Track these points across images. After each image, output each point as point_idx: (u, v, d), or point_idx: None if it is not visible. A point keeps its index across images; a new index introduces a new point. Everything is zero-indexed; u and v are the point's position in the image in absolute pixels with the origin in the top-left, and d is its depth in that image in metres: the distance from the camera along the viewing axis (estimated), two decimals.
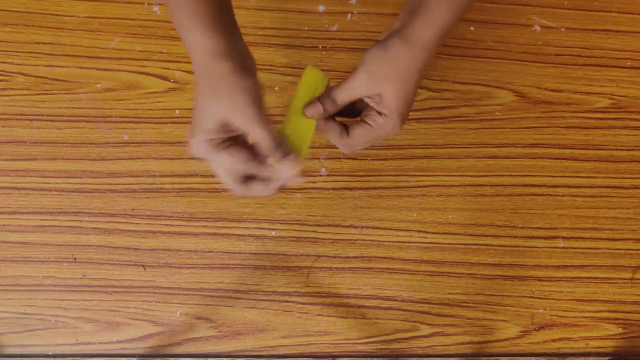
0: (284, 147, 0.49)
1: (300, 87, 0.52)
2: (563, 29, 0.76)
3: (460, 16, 0.49)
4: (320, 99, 0.51)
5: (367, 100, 0.51)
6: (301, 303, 0.74)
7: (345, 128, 0.53)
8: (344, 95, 0.51)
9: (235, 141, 0.49)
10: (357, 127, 0.52)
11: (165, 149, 0.73)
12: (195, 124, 0.48)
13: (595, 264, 0.76)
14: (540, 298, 0.75)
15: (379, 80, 0.49)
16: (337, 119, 0.54)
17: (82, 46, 0.73)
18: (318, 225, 0.74)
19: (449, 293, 0.75)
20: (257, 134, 0.47)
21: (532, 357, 0.75)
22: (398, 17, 0.53)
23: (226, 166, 0.49)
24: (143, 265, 0.73)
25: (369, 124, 0.51)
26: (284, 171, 0.49)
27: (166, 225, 0.73)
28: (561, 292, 0.75)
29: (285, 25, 0.74)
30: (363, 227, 0.74)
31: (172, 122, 0.73)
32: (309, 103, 0.51)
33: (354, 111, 0.54)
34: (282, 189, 0.52)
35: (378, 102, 0.50)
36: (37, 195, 0.72)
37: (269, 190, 0.50)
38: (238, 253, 0.73)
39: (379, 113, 0.51)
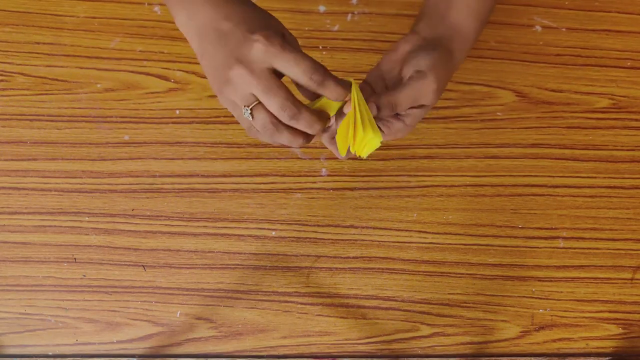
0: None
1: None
2: (564, 29, 0.76)
3: (484, 21, 0.50)
4: (378, 100, 0.47)
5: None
6: (301, 303, 0.74)
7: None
8: (406, 103, 0.47)
9: None
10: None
11: (165, 149, 0.73)
12: (245, 32, 0.44)
13: (595, 264, 0.76)
14: (541, 298, 0.75)
15: (437, 81, 0.47)
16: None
17: (82, 46, 0.73)
18: (318, 226, 0.74)
19: (449, 293, 0.75)
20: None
21: (532, 358, 0.75)
22: (416, 25, 0.52)
23: (294, 70, 0.44)
24: (143, 266, 0.73)
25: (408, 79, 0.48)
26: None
27: (166, 225, 0.73)
28: (561, 292, 0.75)
29: (286, 25, 0.73)
30: (363, 227, 0.74)
31: (172, 122, 0.73)
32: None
33: None
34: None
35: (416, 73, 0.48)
36: (37, 196, 0.72)
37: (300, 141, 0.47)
38: (238, 253, 0.73)
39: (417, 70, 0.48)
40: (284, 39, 0.45)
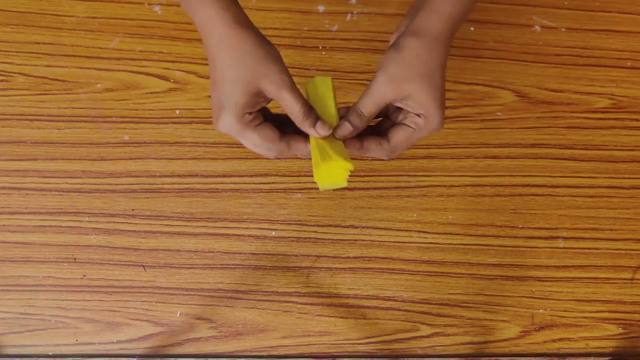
0: (314, 113, 0.48)
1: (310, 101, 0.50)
2: (563, 29, 0.76)
3: (467, 8, 0.48)
4: (346, 116, 0.49)
5: (398, 104, 0.49)
6: (301, 303, 0.74)
7: (383, 136, 0.50)
8: (370, 105, 0.48)
9: (264, 117, 0.48)
10: (397, 131, 0.49)
11: (165, 149, 0.73)
12: (222, 101, 0.46)
13: (595, 264, 0.76)
14: (541, 298, 0.75)
15: (402, 82, 0.47)
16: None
17: (82, 46, 0.73)
18: (318, 226, 0.74)
19: (449, 293, 0.74)
20: (287, 100, 0.46)
21: (532, 358, 0.75)
22: (401, 21, 0.52)
23: (255, 144, 0.48)
24: (143, 265, 0.73)
25: (410, 127, 0.49)
26: (317, 134, 0.48)
27: (166, 225, 0.73)
28: (561, 292, 0.75)
29: (285, 25, 0.74)
30: (363, 227, 0.74)
31: (172, 122, 0.73)
32: (337, 126, 0.49)
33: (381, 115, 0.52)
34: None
35: (412, 106, 0.48)
36: (37, 195, 0.72)
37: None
38: (238, 253, 0.73)
39: (417, 115, 0.48)
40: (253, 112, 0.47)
